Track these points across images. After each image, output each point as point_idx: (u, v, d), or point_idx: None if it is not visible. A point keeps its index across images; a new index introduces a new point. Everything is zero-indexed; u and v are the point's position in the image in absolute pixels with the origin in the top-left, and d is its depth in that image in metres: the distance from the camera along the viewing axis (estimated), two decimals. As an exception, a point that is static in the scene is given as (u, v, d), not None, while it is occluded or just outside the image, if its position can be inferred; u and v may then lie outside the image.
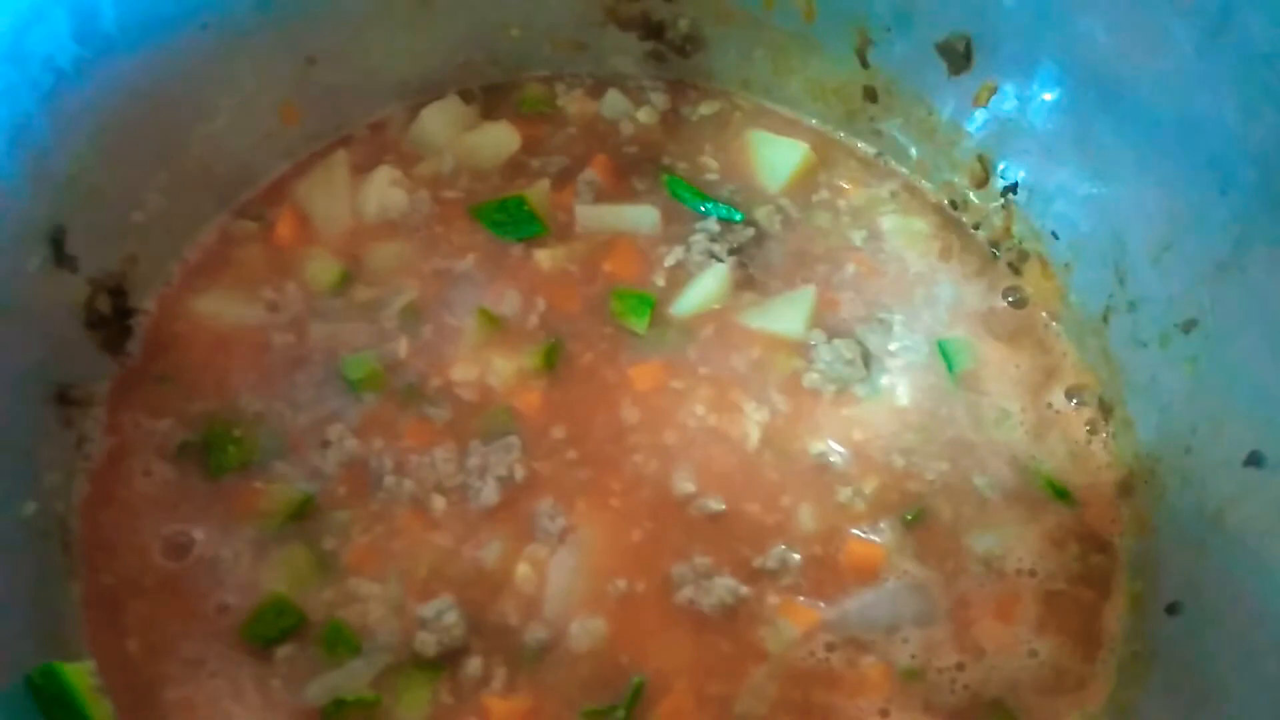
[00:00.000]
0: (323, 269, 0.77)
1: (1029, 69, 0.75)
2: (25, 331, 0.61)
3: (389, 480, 0.69)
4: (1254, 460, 0.60)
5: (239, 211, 0.78)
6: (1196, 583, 0.63)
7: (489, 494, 0.69)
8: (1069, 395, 0.76)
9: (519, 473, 0.70)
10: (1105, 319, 0.74)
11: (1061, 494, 0.72)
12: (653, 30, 0.84)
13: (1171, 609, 0.64)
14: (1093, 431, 0.75)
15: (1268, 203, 0.60)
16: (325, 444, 0.70)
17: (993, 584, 0.70)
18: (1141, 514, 0.70)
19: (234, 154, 0.76)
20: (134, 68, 0.63)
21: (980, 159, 0.79)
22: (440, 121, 0.83)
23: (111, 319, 0.69)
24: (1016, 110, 0.77)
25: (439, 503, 0.69)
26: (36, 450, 0.63)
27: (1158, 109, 0.68)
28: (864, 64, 0.80)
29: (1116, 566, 0.70)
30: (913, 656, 0.67)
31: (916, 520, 0.71)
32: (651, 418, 0.74)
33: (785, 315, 0.78)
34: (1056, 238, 0.77)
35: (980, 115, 0.78)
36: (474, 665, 0.64)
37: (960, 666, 0.67)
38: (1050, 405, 0.76)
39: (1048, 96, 0.75)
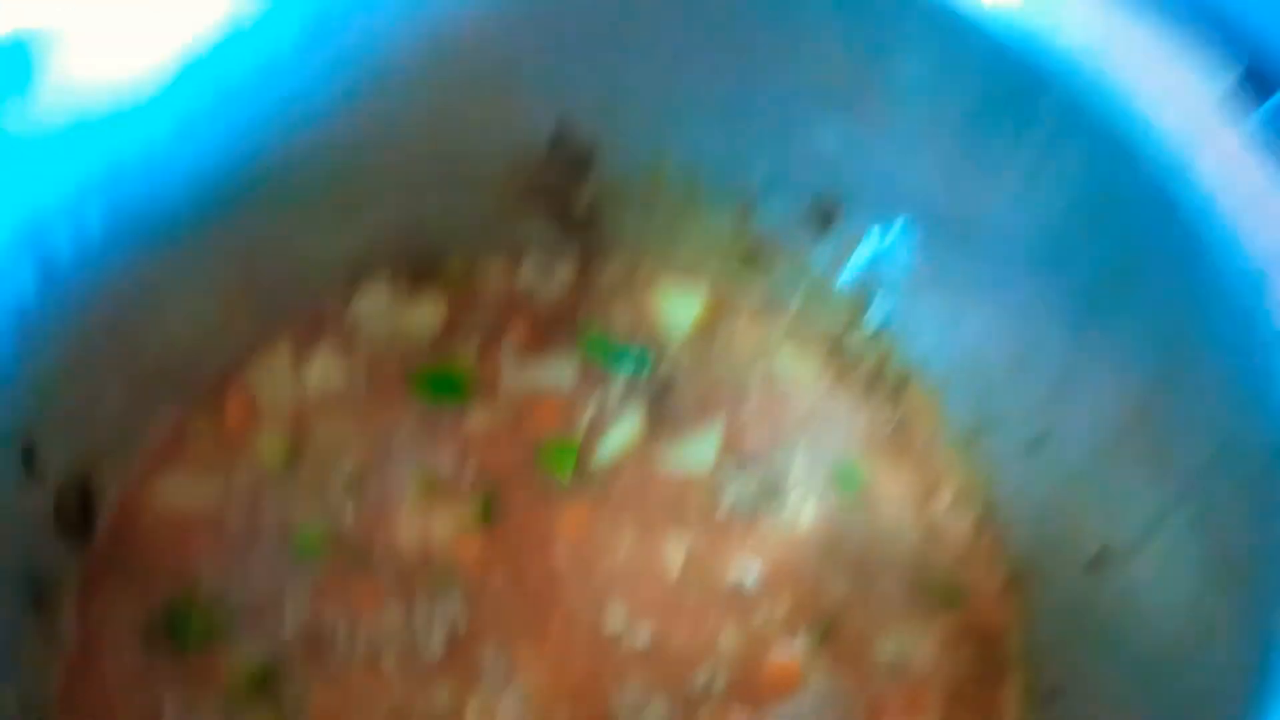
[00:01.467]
0: (271, 447, 0.84)
1: (884, 222, 0.86)
2: (3, 543, 0.67)
3: (342, 643, 0.75)
4: (1102, 556, 0.69)
5: (192, 402, 0.85)
6: (1074, 667, 0.71)
7: (436, 646, 0.76)
8: (953, 505, 0.85)
9: (462, 624, 0.77)
10: (976, 436, 0.84)
11: (952, 598, 0.81)
12: (557, 210, 0.94)
13: (1054, 693, 0.72)
14: (977, 536, 0.84)
15: (1081, 338, 0.70)
16: (282, 614, 0.76)
17: (899, 686, 0.77)
18: (1025, 610, 0.79)
19: (186, 349, 0.83)
20: (91, 297, 0.71)
21: (851, 305, 0.90)
22: (373, 302, 0.92)
23: (78, 517, 0.76)
24: (877, 258, 0.87)
25: (390, 659, 0.75)
26: (13, 646, 0.68)
27: (997, 244, 0.79)
28: (745, 228, 0.91)
29: (1007, 658, 0.78)
30: (833, 760, 0.74)
31: (827, 634, 0.79)
32: (581, 559, 0.81)
33: (695, 454, 0.86)
34: (926, 367, 0.87)
35: (847, 266, 0.89)
36: (433, 811, 0.70)
37: (877, 766, 0.74)
38: (937, 516, 0.85)
39: (901, 245, 0.86)
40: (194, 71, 0.70)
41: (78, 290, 0.69)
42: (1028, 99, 0.69)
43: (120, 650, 0.74)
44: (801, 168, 0.86)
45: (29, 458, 0.69)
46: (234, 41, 0.71)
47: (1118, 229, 0.66)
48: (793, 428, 0.88)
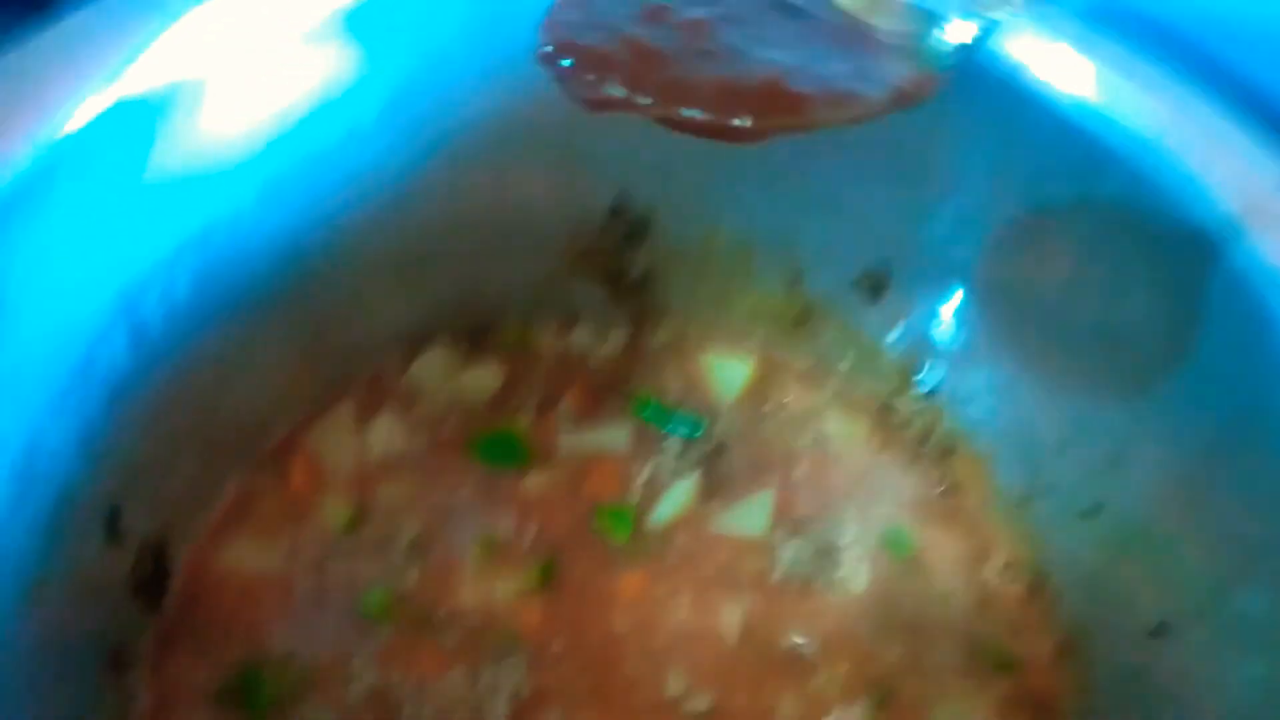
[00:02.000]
0: (335, 511, 0.85)
1: (936, 291, 0.88)
2: (87, 607, 0.69)
3: (409, 709, 0.76)
4: (1161, 630, 0.70)
5: (257, 465, 0.87)
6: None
7: (500, 711, 0.77)
8: (1004, 570, 0.86)
9: (525, 689, 0.78)
10: (1027, 502, 0.85)
11: (1006, 665, 0.81)
12: (612, 276, 0.96)
13: (1114, 763, 0.73)
14: (1028, 604, 0.85)
15: (1136, 409, 0.72)
16: (349, 678, 0.77)
17: (957, 753, 0.78)
18: (1080, 677, 0.80)
19: (253, 415, 0.85)
20: (175, 364, 0.73)
21: (901, 369, 0.92)
22: (432, 368, 0.94)
23: (152, 580, 0.77)
24: (928, 327, 0.90)
25: (457, 725, 0.76)
26: (90, 710, 0.69)
27: (1051, 316, 0.81)
28: (795, 294, 0.93)
29: (1063, 727, 0.79)
30: (895, 830, 0.74)
31: (883, 701, 0.79)
32: (640, 623, 0.82)
33: (749, 518, 0.88)
34: (976, 433, 0.89)
35: (897, 333, 0.91)
36: None
37: (937, 835, 0.75)
38: (988, 582, 0.86)
39: (954, 314, 0.88)
40: (285, 137, 0.73)
41: (163, 358, 0.72)
42: (1090, 175, 0.71)
43: (193, 714, 0.75)
44: (853, 238, 0.89)
45: (113, 524, 0.71)
46: (323, 109, 0.74)
47: (1178, 304, 0.68)
48: (843, 491, 0.90)
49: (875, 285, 0.90)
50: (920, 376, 0.91)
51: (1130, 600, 0.74)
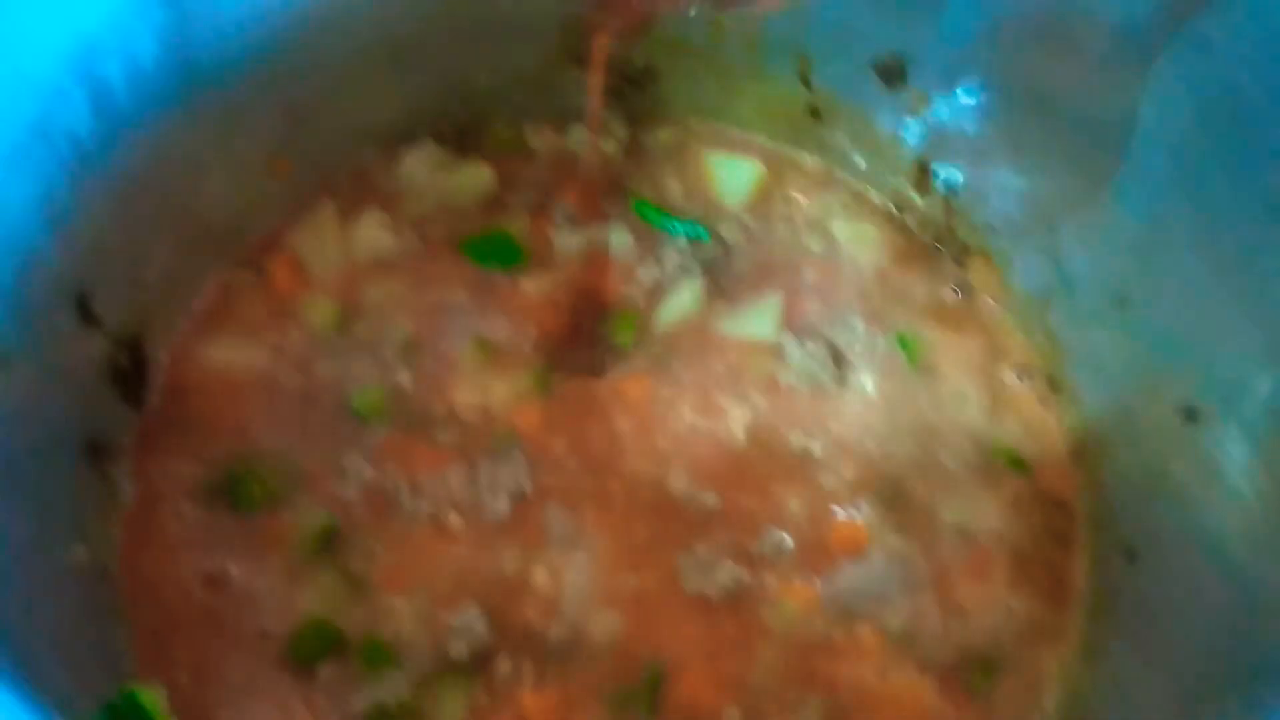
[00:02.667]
0: (321, 311, 0.81)
1: (956, 81, 0.83)
2: (59, 388, 0.65)
3: (407, 502, 0.74)
4: (1189, 415, 0.68)
5: (238, 263, 0.82)
6: (1149, 530, 0.71)
7: (501, 507, 0.74)
8: (1019, 373, 0.83)
9: (527, 485, 0.75)
10: (1046, 302, 0.82)
11: (1019, 464, 0.79)
12: (611, 68, 0.90)
13: (1130, 556, 0.71)
14: (1043, 405, 0.82)
15: (1179, 185, 0.68)
16: (343, 473, 0.74)
17: (966, 550, 0.76)
18: (1095, 475, 0.78)
19: (230, 210, 0.80)
20: (143, 137, 0.67)
21: (919, 165, 0.87)
22: (419, 165, 0.88)
23: (131, 372, 0.73)
24: (948, 119, 0.84)
25: (455, 519, 0.74)
26: (76, 499, 0.66)
27: (1077, 110, 0.76)
28: (807, 85, 0.87)
29: (1076, 524, 0.78)
30: (902, 619, 0.73)
31: (893, 500, 0.77)
32: (643, 425, 0.79)
33: (756, 321, 0.84)
34: (995, 231, 0.85)
35: (916, 125, 0.86)
36: (504, 666, 0.69)
37: (945, 627, 0.73)
38: (1002, 384, 0.83)
39: (975, 104, 0.83)
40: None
41: (130, 131, 0.66)
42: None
43: (180, 510, 0.72)
44: (866, 21, 0.82)
45: (84, 307, 0.67)
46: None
47: (1213, 72, 0.63)
48: (855, 295, 0.86)
49: (890, 73, 0.84)
50: (937, 173, 0.87)
51: (1155, 390, 0.71)
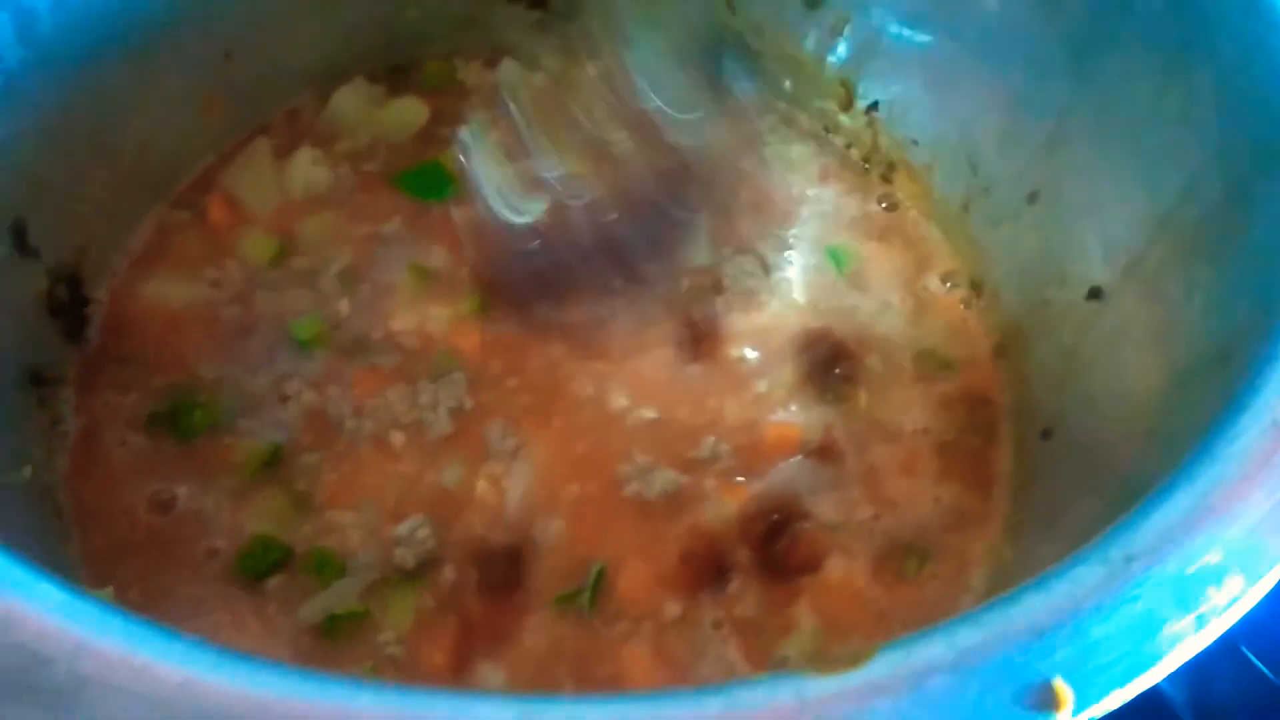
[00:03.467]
0: (258, 245, 0.82)
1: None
2: (-1, 318, 0.66)
3: (349, 423, 0.75)
4: (1094, 294, 0.71)
5: (174, 202, 0.83)
6: (1062, 410, 0.74)
7: (442, 424, 0.76)
8: (943, 280, 0.86)
9: (468, 403, 0.77)
10: (966, 207, 0.85)
11: (946, 365, 0.82)
12: (536, 3, 0.91)
13: (1044, 435, 0.74)
14: (967, 307, 0.85)
15: (1079, 81, 0.71)
16: (285, 399, 0.76)
17: (895, 447, 0.79)
18: (1016, 368, 0.81)
19: (164, 147, 0.81)
20: (70, 67, 0.69)
21: (843, 84, 0.89)
22: (351, 102, 0.90)
23: (70, 307, 0.74)
24: (868, 36, 0.87)
25: (398, 437, 0.75)
26: (19, 426, 0.68)
27: (984, 20, 0.79)
28: (731, 9, 0.89)
29: (999, 417, 0.80)
30: (835, 513, 0.76)
31: (823, 402, 0.80)
32: (579, 345, 0.81)
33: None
34: (916, 144, 0.87)
35: (839, 45, 0.88)
36: (450, 571, 0.71)
37: (876, 517, 0.76)
38: (927, 289, 0.86)
39: (891, 22, 0.85)
40: None
41: (58, 61, 0.67)
42: None
43: (124, 439, 0.74)
44: None
45: (19, 235, 0.68)
46: None
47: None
48: (785, 212, 0.88)
49: (812, -6, 0.87)
50: (860, 92, 0.89)
51: (1063, 277, 0.74)
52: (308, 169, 0.86)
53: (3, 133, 0.63)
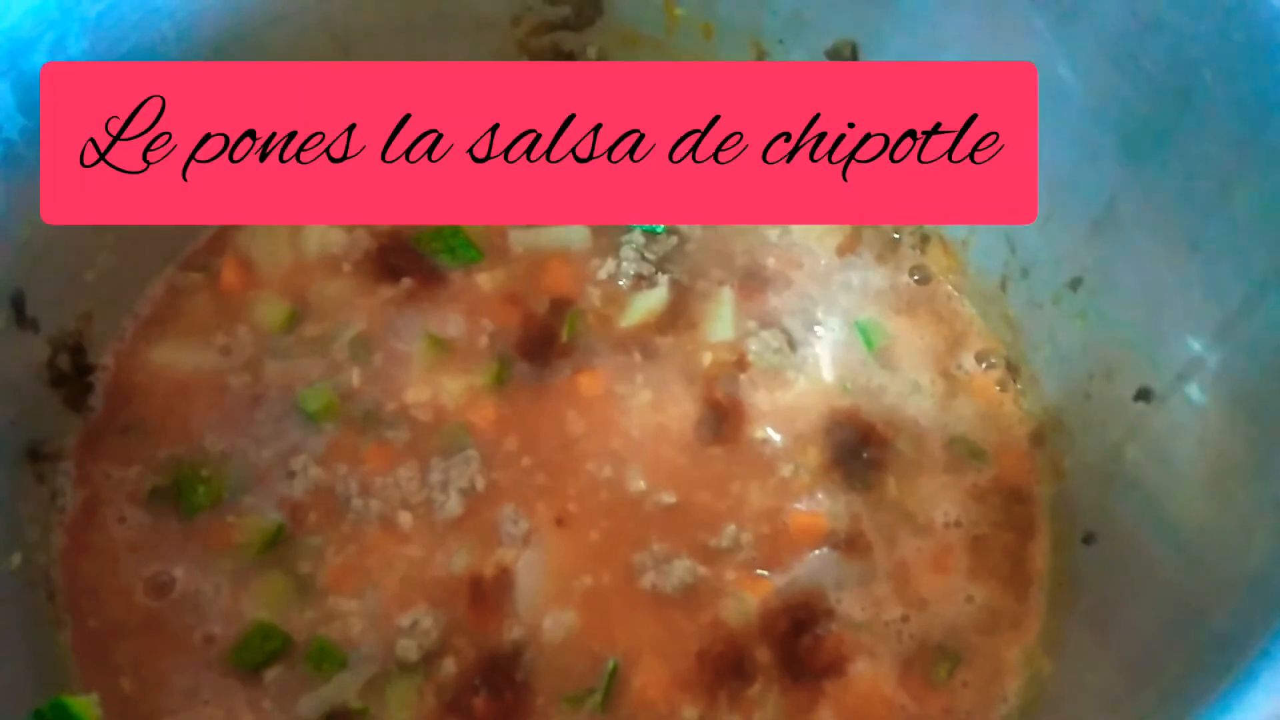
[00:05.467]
0: (270, 310, 0.80)
1: (911, 66, 0.82)
2: (-2, 390, 0.64)
3: (356, 502, 0.73)
4: (1143, 395, 0.67)
5: (184, 264, 0.81)
6: (1107, 513, 0.70)
7: (453, 506, 0.73)
8: (978, 359, 0.83)
9: (479, 483, 0.74)
10: (1003, 286, 0.81)
11: (977, 454, 0.78)
12: (564, 59, 0.89)
13: (1087, 539, 0.71)
14: (1002, 390, 0.81)
15: (1132, 167, 0.67)
16: (291, 474, 0.73)
17: (925, 539, 0.75)
18: (1054, 460, 0.77)
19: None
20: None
21: (876, 152, 0.86)
22: (370, 162, 0.87)
23: (72, 376, 0.72)
24: (904, 105, 0.83)
25: (406, 518, 0.73)
26: (14, 506, 0.65)
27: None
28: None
29: (1036, 511, 0.77)
30: (862, 611, 0.72)
31: (851, 489, 0.76)
32: (598, 422, 0.78)
33: (713, 314, 0.83)
34: (953, 218, 0.84)
35: (872, 112, 0.85)
36: (452, 664, 0.68)
37: (905, 618, 0.72)
38: (961, 369, 0.82)
39: (931, 90, 0.82)
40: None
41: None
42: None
43: (124, 515, 0.71)
44: (821, 7, 0.82)
45: (18, 307, 0.66)
46: None
47: (1174, 44, 0.62)
48: (812, 285, 0.85)
49: (848, 57, 0.83)
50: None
51: (1110, 372, 0.71)
52: (324, 231, 0.83)
53: (3, 206, 0.61)
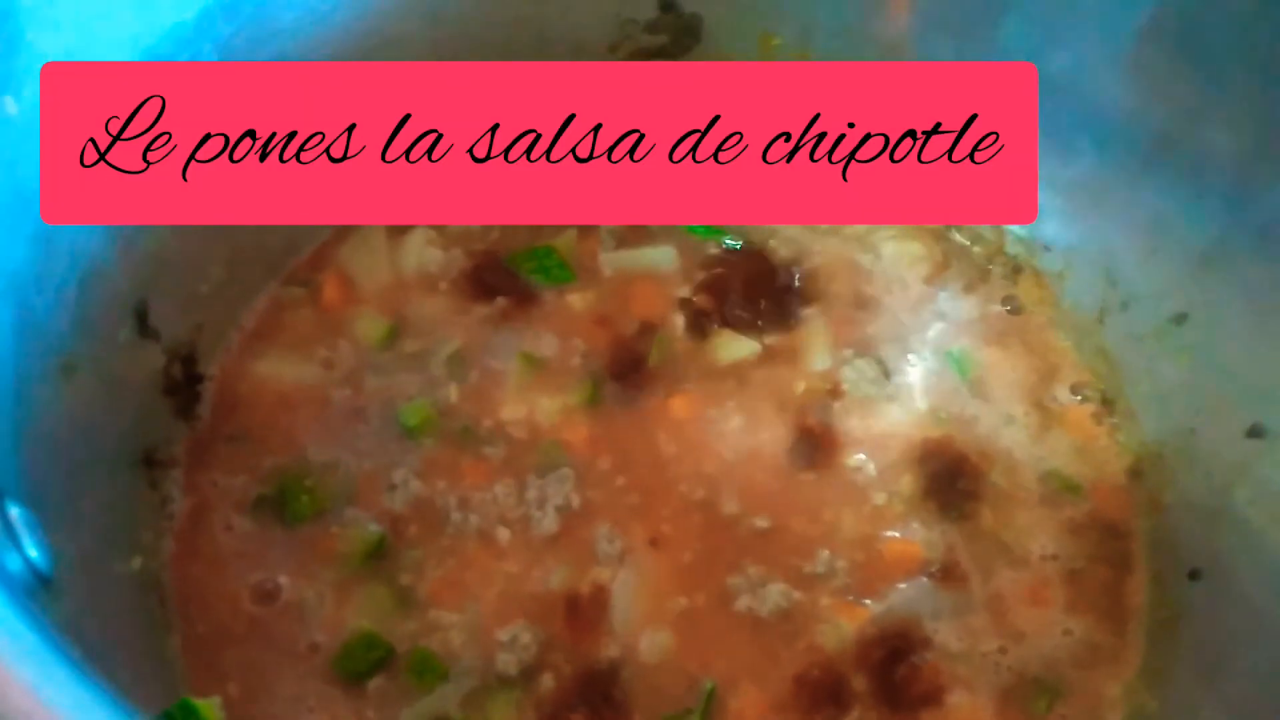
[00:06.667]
0: (370, 326, 0.81)
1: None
2: (117, 400, 0.66)
3: (455, 516, 0.73)
4: (1256, 432, 0.66)
5: (287, 279, 0.82)
6: (1213, 550, 0.69)
7: (549, 523, 0.74)
8: (1073, 392, 0.82)
9: (575, 502, 0.75)
10: (1100, 319, 0.81)
11: (1073, 488, 0.78)
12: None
13: (1193, 576, 0.70)
14: (1098, 423, 0.81)
15: (1241, 203, 0.67)
16: (392, 487, 0.74)
17: (1021, 571, 0.75)
18: (1153, 496, 0.76)
19: (282, 227, 0.81)
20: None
21: (971, 183, 0.86)
22: (467, 183, 0.89)
23: (184, 385, 0.74)
24: (1000, 136, 0.83)
25: (504, 534, 0.73)
26: (132, 510, 0.67)
27: (1132, 130, 0.75)
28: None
29: (1134, 546, 0.76)
30: (958, 641, 0.72)
31: (945, 520, 0.76)
32: (690, 444, 0.79)
33: (809, 344, 0.83)
34: (1048, 250, 0.84)
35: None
36: (550, 679, 0.68)
37: (1003, 650, 0.72)
38: (1056, 401, 0.82)
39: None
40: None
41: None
42: None
43: (230, 523, 0.73)
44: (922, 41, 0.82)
45: (141, 317, 0.67)
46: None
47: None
48: (905, 313, 0.85)
49: (943, 91, 0.84)
50: (987, 192, 0.86)
51: (1217, 409, 0.70)
52: (421, 249, 0.85)
53: (137, 231, 0.63)
